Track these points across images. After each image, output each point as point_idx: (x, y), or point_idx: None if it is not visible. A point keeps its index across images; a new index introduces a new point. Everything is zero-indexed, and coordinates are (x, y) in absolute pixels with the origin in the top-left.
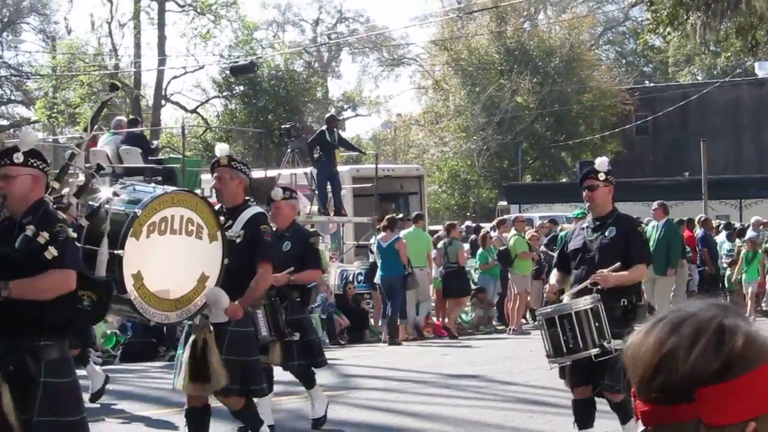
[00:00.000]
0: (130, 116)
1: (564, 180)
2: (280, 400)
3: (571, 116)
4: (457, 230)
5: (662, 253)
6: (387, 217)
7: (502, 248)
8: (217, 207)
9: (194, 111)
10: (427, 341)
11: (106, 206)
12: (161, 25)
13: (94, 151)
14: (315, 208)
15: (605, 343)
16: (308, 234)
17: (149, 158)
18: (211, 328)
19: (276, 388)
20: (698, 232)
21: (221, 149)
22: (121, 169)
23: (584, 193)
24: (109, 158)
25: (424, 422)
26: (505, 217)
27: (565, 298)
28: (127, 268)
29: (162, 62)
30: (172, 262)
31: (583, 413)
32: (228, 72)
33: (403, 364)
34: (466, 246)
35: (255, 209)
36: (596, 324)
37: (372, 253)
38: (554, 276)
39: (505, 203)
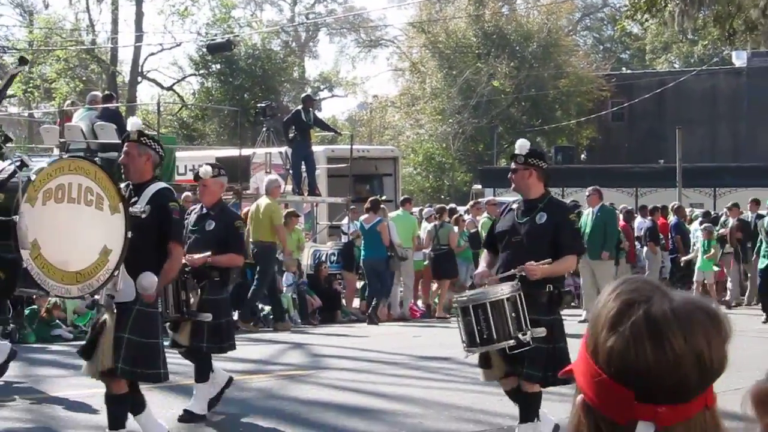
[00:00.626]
0: (106, 92)
1: None
2: (250, 378)
3: (547, 101)
4: (447, 213)
5: (597, 239)
6: (370, 199)
7: (473, 231)
8: (123, 185)
9: (170, 88)
10: (403, 323)
11: (15, 178)
12: (139, 1)
13: (68, 126)
14: (289, 187)
15: (521, 335)
16: (234, 217)
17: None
18: (114, 308)
19: (245, 366)
20: (671, 219)
21: (133, 123)
22: (95, 144)
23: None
24: (83, 133)
25: (394, 403)
26: (480, 200)
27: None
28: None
29: (139, 38)
30: (71, 232)
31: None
32: (205, 50)
33: (375, 346)
34: (456, 229)
35: (161, 184)
36: (513, 314)
37: (345, 233)
38: (484, 258)
39: (479, 187)
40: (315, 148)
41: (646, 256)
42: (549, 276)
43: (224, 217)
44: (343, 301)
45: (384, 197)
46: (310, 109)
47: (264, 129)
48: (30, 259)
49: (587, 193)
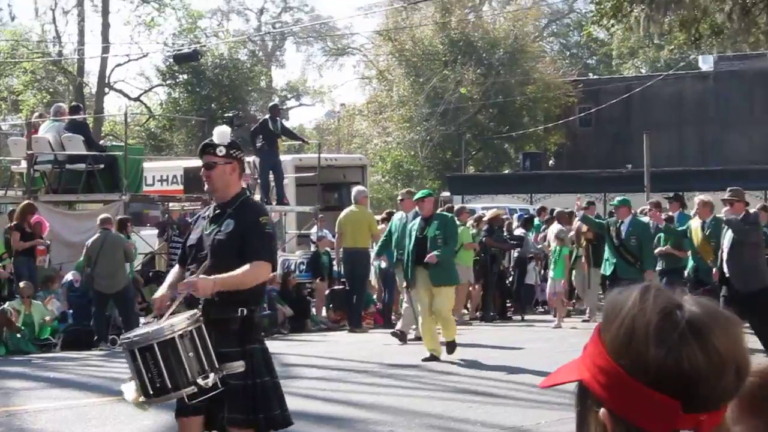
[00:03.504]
0: (72, 103)
1: (507, 171)
2: None
3: (514, 108)
4: None
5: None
6: (387, 211)
7: None
8: None
9: (137, 99)
10: (376, 330)
11: None
12: (105, 12)
13: (36, 138)
14: (257, 197)
15: (201, 380)
16: None
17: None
18: None
19: None
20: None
21: None
22: (63, 156)
23: (201, 172)
24: (51, 145)
25: (365, 411)
26: (447, 206)
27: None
28: None
29: (106, 50)
30: None
31: None
32: (171, 60)
33: (345, 354)
34: None
35: None
36: (191, 354)
37: (313, 242)
38: (170, 276)
39: (448, 194)
40: (283, 157)
41: None
42: (232, 289)
43: None
44: (313, 309)
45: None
46: (278, 118)
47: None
48: None
49: (399, 197)
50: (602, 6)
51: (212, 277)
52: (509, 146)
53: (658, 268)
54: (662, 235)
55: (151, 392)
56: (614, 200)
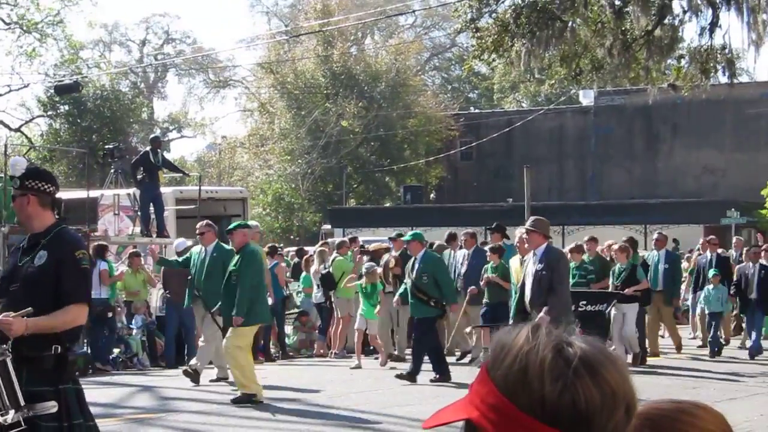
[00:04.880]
0: None
1: (388, 204)
2: (98, 422)
3: (396, 141)
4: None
5: (215, 281)
6: (269, 245)
7: (324, 272)
8: None
9: (18, 130)
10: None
11: None
12: None
13: None
14: (138, 229)
15: (1, 417)
16: None
17: None
18: None
19: (93, 410)
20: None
21: None
22: None
23: None
24: None
25: None
26: (329, 240)
27: None
28: None
29: None
30: None
31: None
32: (53, 91)
33: (224, 387)
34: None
35: None
36: None
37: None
38: None
39: (329, 227)
40: (163, 190)
41: None
42: (47, 332)
43: None
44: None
45: None
46: (159, 150)
47: (112, 170)
48: None
49: (197, 230)
50: (483, 40)
51: (26, 319)
52: (390, 179)
53: (484, 300)
54: (488, 266)
55: None
56: (407, 235)
